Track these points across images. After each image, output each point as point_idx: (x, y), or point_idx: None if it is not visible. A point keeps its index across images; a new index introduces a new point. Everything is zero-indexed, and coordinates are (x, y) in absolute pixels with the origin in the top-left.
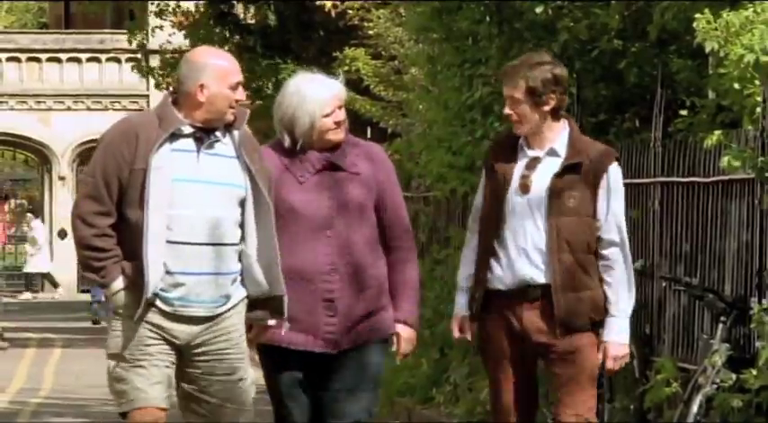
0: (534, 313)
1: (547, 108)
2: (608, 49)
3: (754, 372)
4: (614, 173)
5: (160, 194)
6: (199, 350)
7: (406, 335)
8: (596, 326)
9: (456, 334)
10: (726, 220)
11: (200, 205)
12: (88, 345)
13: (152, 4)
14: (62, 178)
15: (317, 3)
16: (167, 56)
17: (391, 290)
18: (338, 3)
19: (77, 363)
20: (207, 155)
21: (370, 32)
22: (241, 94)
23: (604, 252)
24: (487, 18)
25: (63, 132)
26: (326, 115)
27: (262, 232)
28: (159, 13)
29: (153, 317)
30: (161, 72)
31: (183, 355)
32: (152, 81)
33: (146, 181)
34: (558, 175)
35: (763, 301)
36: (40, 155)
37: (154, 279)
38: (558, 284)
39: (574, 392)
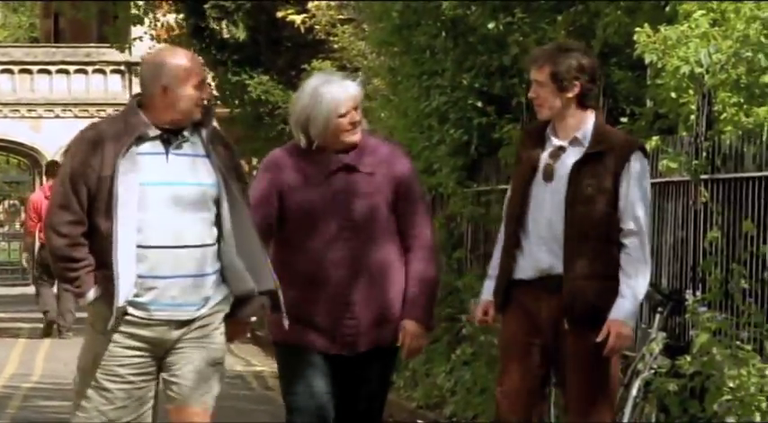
0: (554, 305)
1: (570, 95)
2: None
3: (689, 358)
4: (636, 162)
5: (128, 199)
6: (177, 345)
7: (411, 329)
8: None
9: (478, 316)
10: (663, 219)
11: (170, 207)
12: (76, 334)
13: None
14: None
15: (287, 19)
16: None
17: (405, 287)
18: (307, 19)
19: (66, 351)
20: (176, 156)
21: (336, 46)
22: (206, 93)
23: (624, 241)
24: (443, 33)
25: (52, 138)
26: (342, 116)
27: (239, 230)
28: (137, 21)
29: (128, 327)
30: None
31: (165, 354)
32: (134, 91)
33: (113, 187)
34: (579, 164)
35: (697, 294)
36: (31, 159)
37: (125, 286)
38: (570, 272)
39: (586, 401)
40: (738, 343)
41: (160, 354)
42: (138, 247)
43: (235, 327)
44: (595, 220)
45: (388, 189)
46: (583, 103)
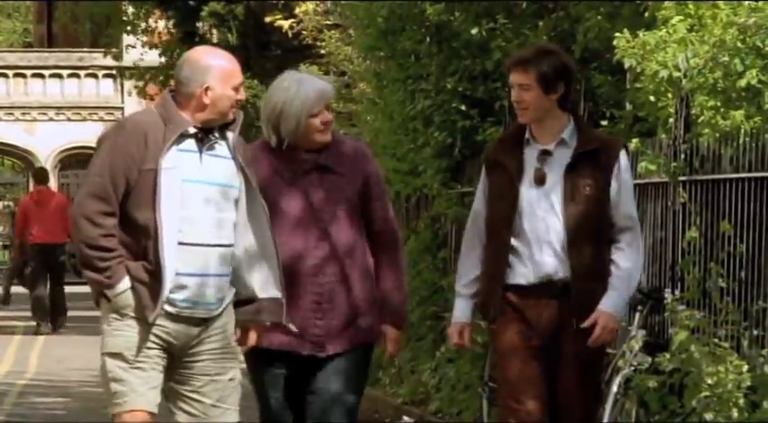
0: (555, 309)
1: (555, 96)
2: None
3: (668, 355)
4: (624, 160)
5: (172, 195)
6: (193, 351)
7: (392, 336)
8: None
9: (455, 340)
10: (643, 220)
11: (205, 206)
12: (69, 332)
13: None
14: None
15: (275, 24)
16: (140, 70)
17: (378, 289)
18: (294, 24)
19: (59, 348)
20: (208, 155)
21: (323, 51)
22: (242, 95)
23: (617, 236)
24: (428, 38)
25: (46, 140)
26: (313, 115)
27: (259, 233)
28: (132, 30)
29: (158, 319)
30: (138, 83)
31: (176, 356)
32: (125, 95)
33: (157, 182)
34: (572, 165)
35: (676, 292)
36: (25, 161)
37: (169, 280)
38: (577, 274)
39: (584, 399)
40: (716, 340)
41: (174, 350)
42: (179, 243)
43: (241, 332)
44: (595, 220)
45: (358, 188)
46: (564, 104)
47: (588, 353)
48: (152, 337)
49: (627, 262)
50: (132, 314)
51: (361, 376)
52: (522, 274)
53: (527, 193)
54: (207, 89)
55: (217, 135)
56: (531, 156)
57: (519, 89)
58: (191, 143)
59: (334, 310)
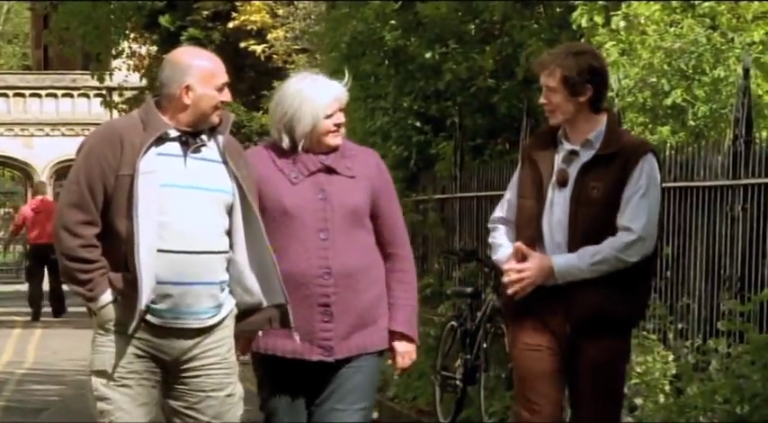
0: (564, 312)
1: (582, 99)
2: (483, 87)
3: None
4: (645, 165)
5: (149, 201)
6: (187, 366)
7: (402, 349)
8: (621, 328)
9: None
10: None
11: (188, 212)
12: (63, 326)
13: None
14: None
15: (249, 48)
16: (127, 93)
17: (390, 296)
18: (266, 48)
19: (55, 340)
20: (193, 159)
21: (292, 73)
22: (226, 96)
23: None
24: (386, 61)
25: (42, 154)
26: (328, 117)
27: (252, 240)
28: (117, 55)
29: (142, 333)
30: (123, 106)
31: (171, 370)
32: (114, 113)
33: (133, 187)
34: (587, 166)
35: None
36: (23, 172)
37: (147, 290)
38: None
39: (593, 408)
40: (645, 333)
41: (166, 364)
42: (157, 251)
43: (241, 341)
44: (598, 224)
45: (367, 193)
46: (595, 106)
47: (592, 355)
48: (136, 352)
49: (602, 249)
50: (114, 328)
51: (370, 385)
52: None
53: (551, 193)
54: (187, 89)
55: (204, 138)
56: (559, 156)
57: (546, 91)
58: (173, 147)
59: (342, 314)
